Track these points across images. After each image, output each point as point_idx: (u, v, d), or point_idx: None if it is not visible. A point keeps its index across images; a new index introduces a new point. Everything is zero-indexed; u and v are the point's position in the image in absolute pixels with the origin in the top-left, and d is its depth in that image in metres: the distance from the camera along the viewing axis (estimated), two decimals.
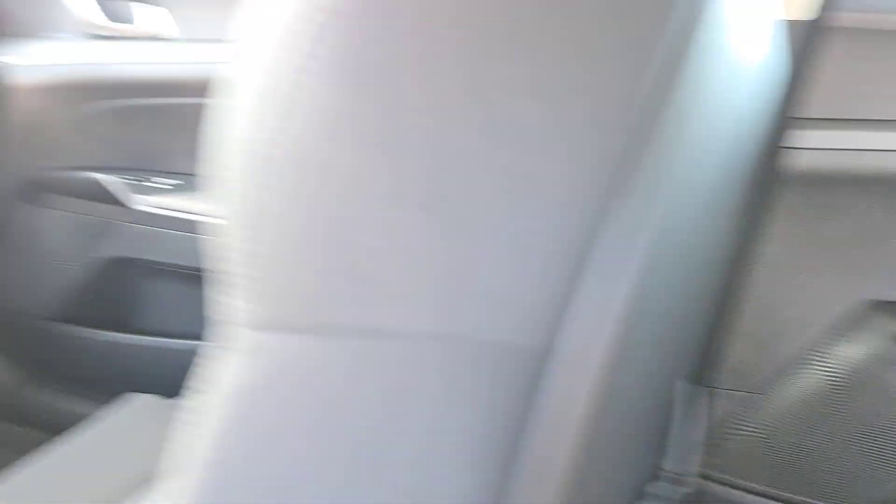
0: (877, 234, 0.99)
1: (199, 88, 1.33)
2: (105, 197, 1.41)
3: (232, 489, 0.37)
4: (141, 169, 1.43)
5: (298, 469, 0.36)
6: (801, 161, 0.97)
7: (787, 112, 0.90)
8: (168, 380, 1.17)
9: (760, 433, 1.05)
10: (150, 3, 1.49)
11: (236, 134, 0.35)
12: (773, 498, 1.06)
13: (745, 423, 1.06)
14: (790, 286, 1.02)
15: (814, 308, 1.01)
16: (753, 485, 1.07)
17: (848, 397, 0.99)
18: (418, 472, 0.36)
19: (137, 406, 1.15)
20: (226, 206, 0.36)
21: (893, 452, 0.99)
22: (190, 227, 1.37)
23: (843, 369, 0.99)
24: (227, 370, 0.37)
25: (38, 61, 1.41)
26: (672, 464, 0.74)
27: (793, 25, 0.89)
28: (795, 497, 1.05)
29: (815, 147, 0.97)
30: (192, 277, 1.40)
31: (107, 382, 1.50)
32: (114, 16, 1.50)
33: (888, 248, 0.99)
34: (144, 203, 1.38)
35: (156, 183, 1.41)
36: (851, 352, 0.99)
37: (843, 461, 1.02)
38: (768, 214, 1.02)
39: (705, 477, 1.10)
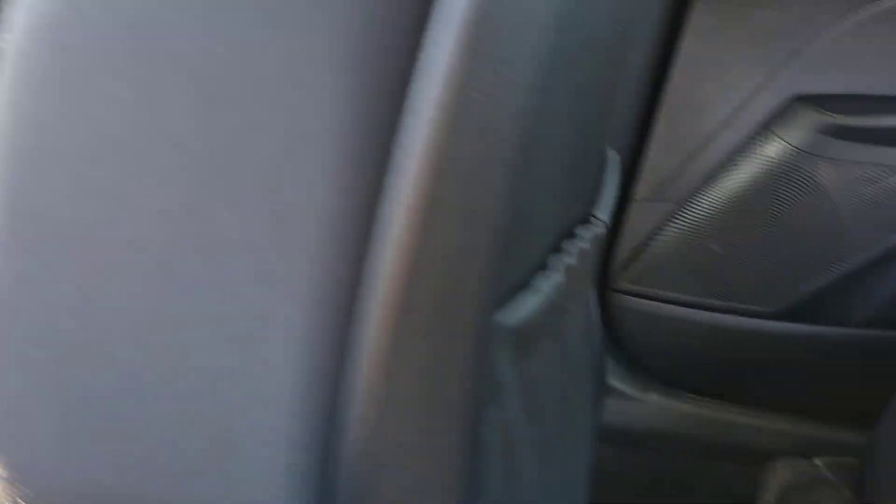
0: (806, 24, 0.94)
1: None
2: None
3: None
4: None
5: None
6: None
7: None
8: None
9: (682, 243, 1.03)
10: None
11: None
12: (692, 305, 1.05)
13: (666, 234, 1.03)
14: (715, 85, 0.98)
15: (742, 107, 0.97)
16: (672, 294, 1.05)
17: (772, 196, 0.96)
18: None
19: None
20: None
21: (814, 247, 0.97)
22: None
23: (767, 168, 0.96)
24: None
25: None
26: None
27: None
28: (715, 303, 1.04)
29: None
30: None
31: None
32: None
33: (817, 38, 0.94)
34: None
35: None
36: (775, 149, 0.95)
37: (765, 262, 1.00)
38: (689, 7, 0.97)
39: (624, 291, 1.08)
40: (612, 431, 1.13)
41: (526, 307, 0.39)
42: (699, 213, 1.01)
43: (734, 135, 0.98)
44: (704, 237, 1.01)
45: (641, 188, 1.03)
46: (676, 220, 1.03)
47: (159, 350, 0.30)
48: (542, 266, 0.43)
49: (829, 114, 0.92)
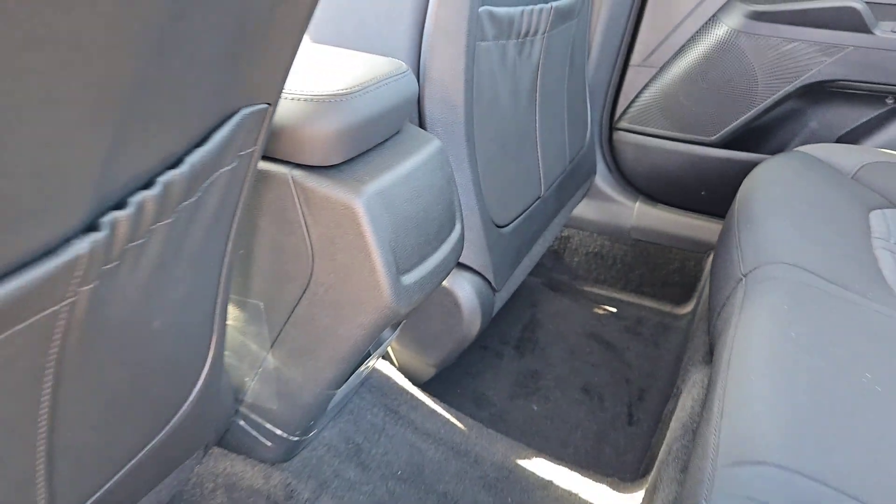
0: None
1: None
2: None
3: None
4: None
5: None
6: None
7: None
8: None
9: (660, 94, 1.57)
10: None
11: None
12: (664, 138, 1.59)
13: (651, 88, 1.58)
14: None
15: (702, 2, 1.50)
16: (651, 129, 1.59)
17: (716, 60, 1.49)
18: None
19: None
20: None
21: (738, 93, 1.49)
22: None
23: (714, 42, 1.49)
24: None
25: None
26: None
27: None
28: (679, 135, 1.57)
29: None
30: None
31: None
32: None
33: None
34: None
35: None
36: (720, 30, 1.48)
37: (710, 105, 1.52)
38: None
39: (623, 129, 1.63)
40: (610, 228, 1.69)
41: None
42: (672, 74, 1.55)
43: (696, 21, 1.51)
44: (674, 90, 1.55)
45: (636, 57, 1.58)
46: (658, 79, 1.57)
47: None
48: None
49: (755, 5, 1.44)
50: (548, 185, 1.22)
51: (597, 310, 1.64)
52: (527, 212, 1.15)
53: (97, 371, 0.51)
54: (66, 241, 0.40)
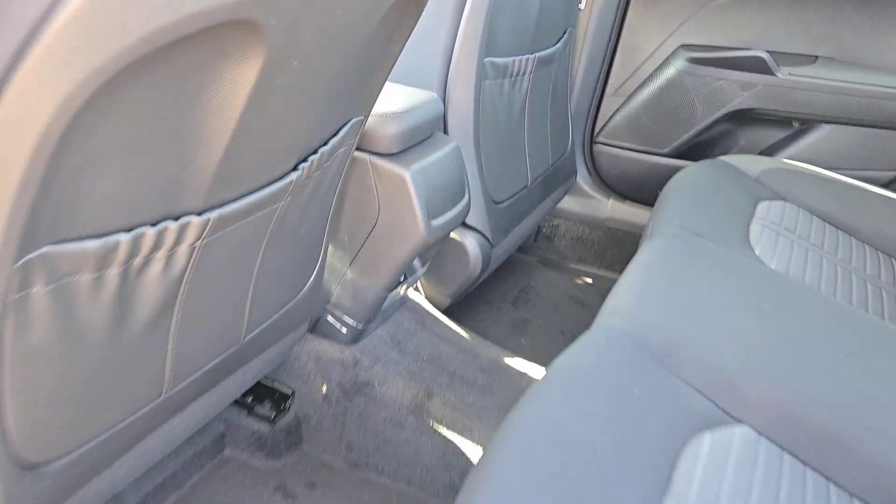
0: (687, 7, 1.97)
1: None
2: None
3: None
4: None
5: None
6: None
7: None
8: None
9: (628, 116, 2.07)
10: None
11: None
12: (632, 150, 2.09)
13: (621, 112, 2.08)
14: (644, 38, 2.01)
15: (657, 50, 2.00)
16: (621, 143, 2.10)
17: (666, 91, 1.99)
18: None
19: None
20: None
21: (683, 115, 1.98)
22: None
23: (665, 79, 1.99)
24: None
25: None
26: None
27: None
28: (641, 148, 2.07)
29: None
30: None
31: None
32: None
33: (693, 16, 1.96)
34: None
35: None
36: (670, 70, 1.98)
37: (663, 124, 2.02)
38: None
39: (601, 143, 2.13)
40: (589, 219, 2.19)
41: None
42: (637, 101, 2.05)
43: (653, 63, 2.02)
44: (638, 114, 2.06)
45: (610, 88, 2.09)
46: (626, 105, 2.07)
47: None
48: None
49: (695, 53, 1.94)
50: (533, 178, 1.73)
51: (577, 280, 2.14)
52: (516, 195, 1.66)
53: (278, 247, 1.03)
54: (286, 173, 0.92)
